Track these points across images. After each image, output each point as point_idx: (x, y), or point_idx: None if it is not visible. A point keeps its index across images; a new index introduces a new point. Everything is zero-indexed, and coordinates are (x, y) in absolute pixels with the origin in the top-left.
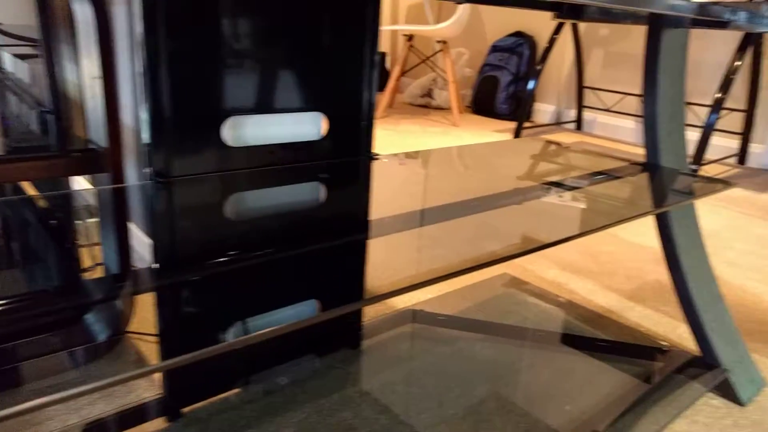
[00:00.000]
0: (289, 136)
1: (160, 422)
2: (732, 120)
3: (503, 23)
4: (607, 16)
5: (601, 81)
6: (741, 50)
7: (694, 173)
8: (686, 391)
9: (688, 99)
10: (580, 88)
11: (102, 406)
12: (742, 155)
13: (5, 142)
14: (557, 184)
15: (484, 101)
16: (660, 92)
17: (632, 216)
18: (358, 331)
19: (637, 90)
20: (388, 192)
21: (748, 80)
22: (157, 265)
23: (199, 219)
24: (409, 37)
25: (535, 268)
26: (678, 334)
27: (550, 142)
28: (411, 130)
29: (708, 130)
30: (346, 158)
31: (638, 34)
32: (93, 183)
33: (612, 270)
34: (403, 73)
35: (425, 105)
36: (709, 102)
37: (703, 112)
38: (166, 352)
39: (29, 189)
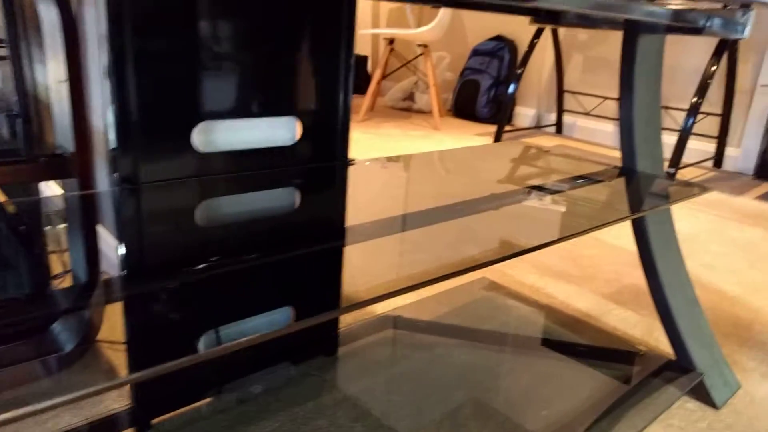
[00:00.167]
0: (263, 141)
1: None
2: (708, 124)
3: (484, 27)
4: (583, 21)
5: (581, 85)
6: (716, 55)
7: (671, 176)
8: (662, 395)
9: (665, 103)
10: (560, 92)
11: (69, 418)
12: (718, 159)
13: None
14: (535, 189)
15: (465, 105)
16: (636, 97)
17: (608, 222)
18: (334, 338)
19: (616, 94)
20: (365, 197)
21: (724, 85)
22: (123, 273)
23: (168, 226)
24: (390, 41)
25: (515, 273)
26: (654, 337)
27: (528, 147)
28: (392, 133)
29: (685, 134)
30: (321, 163)
31: (616, 38)
32: (63, 188)
33: (591, 274)
34: (384, 76)
35: (407, 108)
36: (686, 106)
37: (680, 117)
38: (135, 363)
39: None
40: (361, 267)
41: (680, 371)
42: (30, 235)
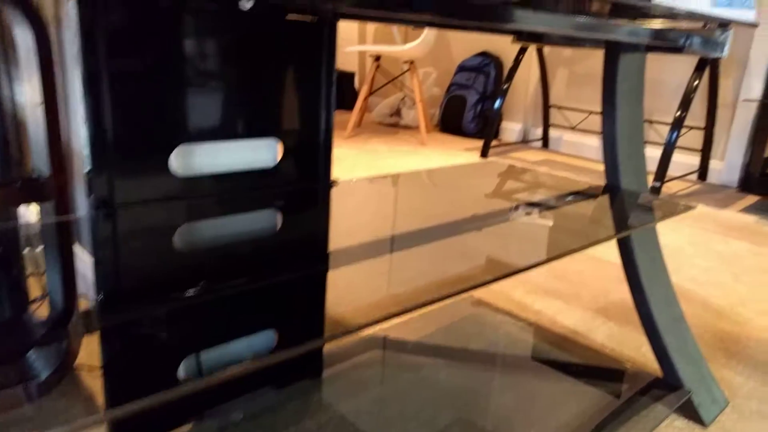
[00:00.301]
0: (243, 163)
1: None
2: (692, 137)
3: (470, 43)
4: (566, 40)
5: (567, 100)
6: (698, 70)
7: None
8: (650, 413)
9: (650, 117)
10: (546, 106)
11: None
12: (702, 172)
13: None
14: (520, 209)
15: (451, 120)
16: (619, 115)
17: (593, 242)
18: (319, 360)
19: (601, 108)
20: (348, 219)
21: (707, 99)
22: (100, 299)
23: (144, 250)
24: (377, 57)
25: (502, 289)
26: (642, 353)
27: (513, 166)
28: (379, 149)
29: (669, 147)
30: (303, 185)
31: (600, 53)
32: (40, 212)
33: (578, 289)
34: (371, 92)
35: (394, 124)
36: (670, 120)
37: (665, 130)
38: (113, 390)
39: None
40: (346, 290)
41: (668, 389)
42: (5, 260)
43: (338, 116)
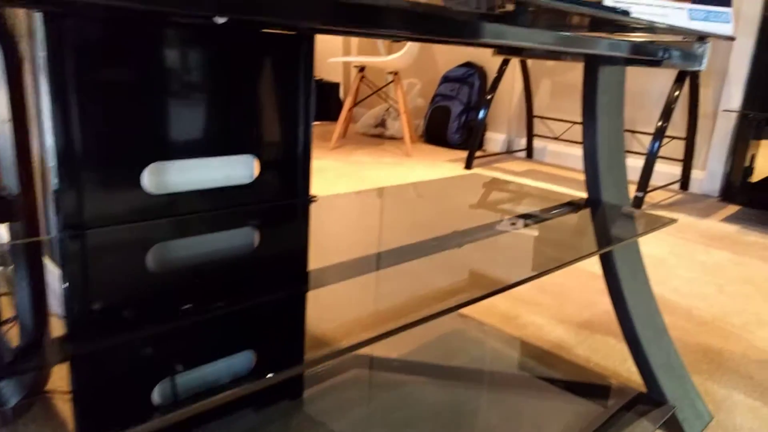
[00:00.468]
0: (219, 180)
1: None
2: (674, 147)
3: (454, 54)
4: (546, 53)
5: (550, 110)
6: (679, 81)
7: (640, 200)
8: (635, 430)
9: (632, 127)
10: (530, 117)
11: None
12: (684, 181)
13: None
14: (501, 224)
15: (436, 131)
16: (599, 128)
17: (576, 258)
18: (299, 381)
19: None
20: (327, 236)
21: (688, 109)
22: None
23: (116, 273)
24: (361, 69)
25: (485, 302)
26: (626, 367)
27: (494, 179)
28: (363, 161)
29: (651, 157)
30: (281, 201)
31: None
32: (9, 232)
33: (562, 301)
34: (355, 104)
35: (379, 135)
36: (652, 130)
37: (647, 140)
38: (84, 417)
39: None
40: (327, 308)
41: (652, 404)
42: None
43: (323, 127)
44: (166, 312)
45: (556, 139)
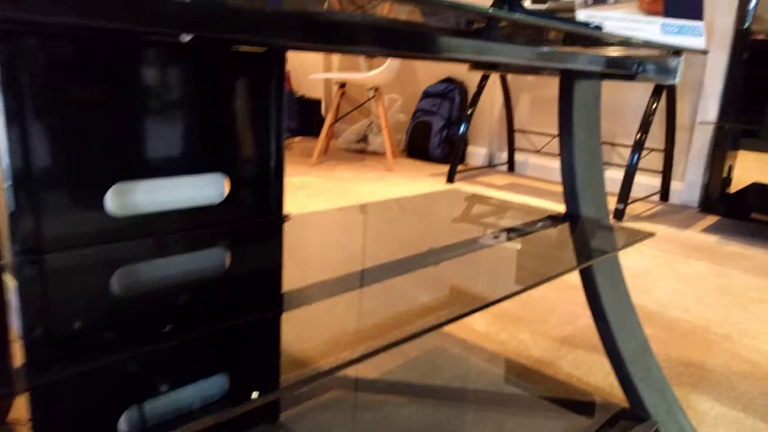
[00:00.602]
0: (187, 200)
1: None
2: (654, 159)
3: (434, 69)
4: (521, 68)
5: (530, 124)
6: (656, 94)
7: (621, 212)
8: None
9: (612, 140)
10: (511, 131)
11: None
12: (664, 192)
13: None
14: (480, 241)
15: (418, 146)
16: (576, 143)
17: (555, 275)
18: (276, 404)
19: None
20: (303, 256)
21: (665, 122)
22: (28, 353)
23: (78, 299)
24: (342, 85)
25: (466, 319)
26: (609, 382)
27: (474, 195)
28: (345, 176)
29: (631, 169)
30: (252, 220)
31: None
32: None
33: (543, 316)
34: (336, 119)
35: (361, 150)
36: (631, 142)
37: (627, 153)
38: None
39: None
40: (304, 328)
41: (635, 419)
42: None
43: (304, 143)
44: (131, 338)
45: (537, 152)
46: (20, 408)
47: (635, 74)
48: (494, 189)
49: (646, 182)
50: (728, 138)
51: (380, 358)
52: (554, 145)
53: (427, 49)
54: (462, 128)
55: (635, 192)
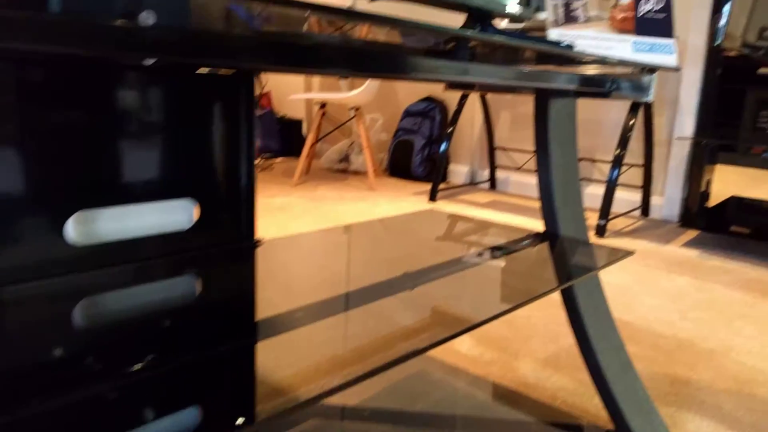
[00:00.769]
0: (154, 227)
1: None
2: (633, 174)
3: (414, 88)
4: (496, 87)
5: (511, 141)
6: (633, 111)
7: (602, 228)
8: None
9: (592, 156)
10: (491, 148)
11: None
12: (644, 207)
13: None
14: (459, 263)
15: (400, 164)
16: (552, 161)
17: (537, 296)
18: None
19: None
20: (274, 283)
21: (643, 137)
22: None
23: (39, 334)
24: (322, 105)
25: (449, 342)
26: (594, 403)
27: (453, 215)
28: (327, 196)
29: (611, 185)
30: (223, 247)
31: None
32: None
33: (527, 335)
34: (317, 139)
35: (343, 170)
36: (611, 158)
37: (607, 168)
38: None
39: None
40: (279, 355)
41: None
42: None
43: (286, 164)
44: (93, 373)
45: (518, 169)
46: None
47: (609, 92)
48: (476, 207)
49: (626, 198)
50: (705, 153)
51: (362, 385)
52: (534, 161)
53: (401, 71)
54: (443, 146)
55: (616, 207)
